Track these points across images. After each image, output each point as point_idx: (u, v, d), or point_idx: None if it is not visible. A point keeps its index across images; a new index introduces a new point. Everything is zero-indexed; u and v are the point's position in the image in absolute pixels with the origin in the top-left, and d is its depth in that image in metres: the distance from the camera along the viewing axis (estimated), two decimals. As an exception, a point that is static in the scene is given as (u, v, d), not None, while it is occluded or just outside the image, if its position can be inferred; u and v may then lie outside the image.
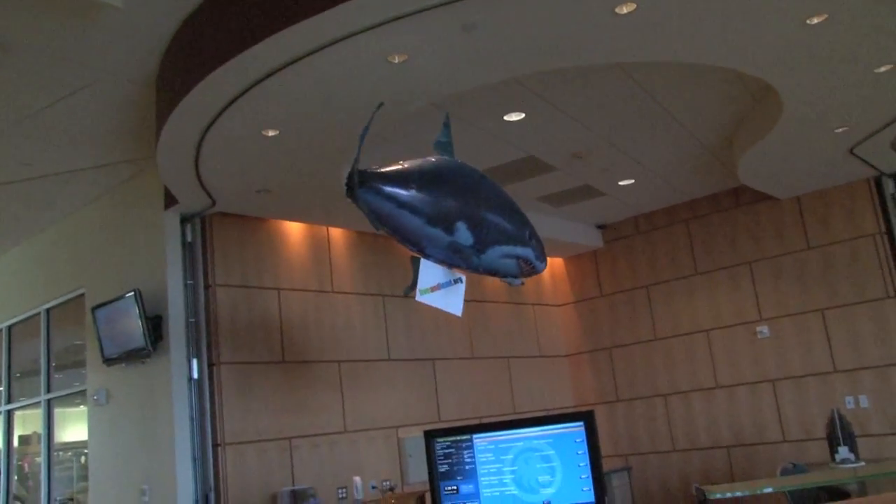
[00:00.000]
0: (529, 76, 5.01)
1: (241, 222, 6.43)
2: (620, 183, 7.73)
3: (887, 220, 7.59)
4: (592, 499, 3.14)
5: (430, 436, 3.43)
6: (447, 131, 4.13)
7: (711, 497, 3.15)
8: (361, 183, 3.60)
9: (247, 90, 4.18)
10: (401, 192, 3.65)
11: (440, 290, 4.18)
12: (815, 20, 4.17)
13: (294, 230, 6.82)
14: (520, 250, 4.10)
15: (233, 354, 6.12)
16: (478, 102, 5.42)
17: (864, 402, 7.53)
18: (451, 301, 4.19)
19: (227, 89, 4.18)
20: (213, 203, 5.95)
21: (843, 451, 5.59)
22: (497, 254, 4.01)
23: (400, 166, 3.78)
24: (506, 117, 5.75)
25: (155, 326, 5.98)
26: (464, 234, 3.79)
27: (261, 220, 6.56)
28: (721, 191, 8.49)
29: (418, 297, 4.16)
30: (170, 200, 6.00)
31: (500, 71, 4.43)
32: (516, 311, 8.96)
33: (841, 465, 5.57)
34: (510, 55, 4.22)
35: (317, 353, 6.71)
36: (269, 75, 4.05)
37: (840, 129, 6.11)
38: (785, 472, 6.04)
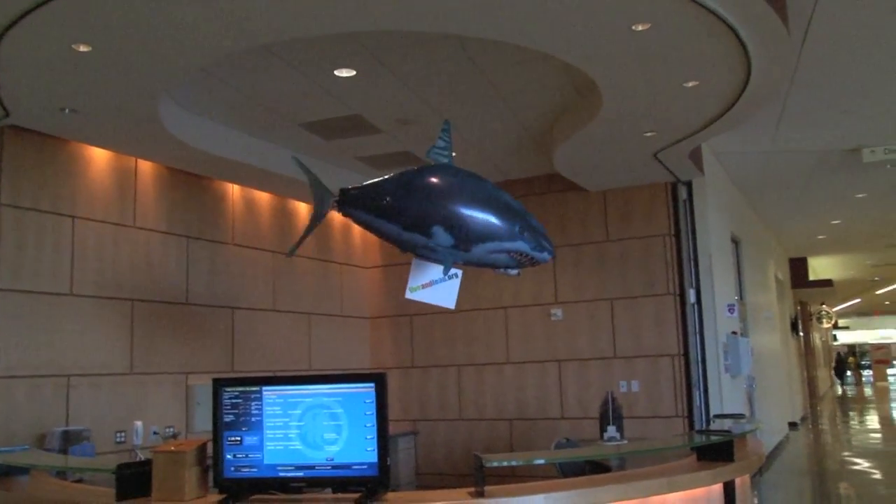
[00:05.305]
0: (366, 34, 4.96)
1: (39, 140, 5.91)
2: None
3: (676, 224, 8.24)
4: (375, 459, 3.19)
5: (218, 384, 3.35)
6: (446, 136, 4.34)
7: (488, 465, 3.30)
8: (344, 200, 4.42)
9: (58, -3, 3.83)
10: (376, 203, 4.28)
11: (431, 286, 4.50)
12: (640, 27, 4.42)
13: (99, 156, 6.37)
14: (508, 245, 4.26)
15: (12, 281, 5.65)
16: (310, 52, 5.30)
17: (635, 386, 8.19)
18: (443, 295, 4.53)
19: (34, -9, 3.80)
20: (7, 115, 5.43)
21: (611, 430, 6.03)
22: (484, 250, 4.25)
23: (378, 179, 4.37)
24: (336, 72, 5.67)
25: (-77, 241, 5.40)
26: (442, 237, 4.16)
27: (62, 141, 6.07)
28: (536, 175, 8.85)
29: (408, 295, 4.56)
30: (-45, 106, 5.41)
31: (333, 23, 4.33)
32: (323, 268, 8.92)
33: (607, 443, 6.02)
34: (346, 7, 4.13)
35: (110, 288, 6.34)
36: (85, -15, 3.74)
37: (648, 134, 6.53)
38: (559, 446, 6.44)
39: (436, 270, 4.48)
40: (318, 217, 4.59)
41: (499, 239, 4.24)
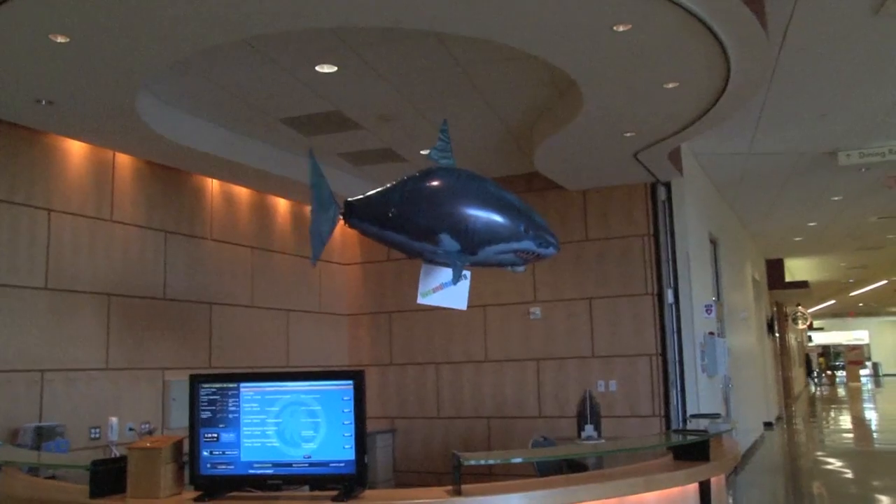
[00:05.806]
0: (348, 30, 4.94)
1: (14, 132, 5.83)
2: (422, 151, 7.84)
3: (655, 224, 8.29)
4: (352, 457, 3.19)
5: (195, 380, 3.33)
6: (445, 136, 4.40)
7: (465, 463, 3.30)
8: (349, 212, 4.39)
9: (35, -13, 3.78)
10: (382, 215, 4.26)
11: (442, 289, 4.53)
12: (621, 28, 4.44)
13: (76, 149, 6.30)
14: (515, 245, 4.26)
15: (-14, 274, 5.59)
16: (291, 48, 5.27)
17: (613, 386, 8.23)
18: (455, 298, 4.56)
19: (12, -19, 3.76)
20: (-19, 105, 5.36)
21: (589, 429, 6.06)
22: (490, 252, 4.24)
23: (382, 189, 4.36)
24: (318, 68, 5.64)
25: None
26: (449, 243, 4.15)
27: (38, 133, 6.00)
28: (516, 174, 8.85)
29: (420, 300, 4.56)
30: (-73, 95, 5.31)
31: (314, 18, 4.31)
32: (301, 264, 8.87)
33: (585, 441, 6.05)
34: (328, 2, 4.12)
35: (86, 283, 6.28)
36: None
37: (628, 134, 6.56)
38: (536, 445, 6.45)
39: (445, 274, 4.48)
40: (324, 229, 4.47)
41: (505, 240, 4.22)
